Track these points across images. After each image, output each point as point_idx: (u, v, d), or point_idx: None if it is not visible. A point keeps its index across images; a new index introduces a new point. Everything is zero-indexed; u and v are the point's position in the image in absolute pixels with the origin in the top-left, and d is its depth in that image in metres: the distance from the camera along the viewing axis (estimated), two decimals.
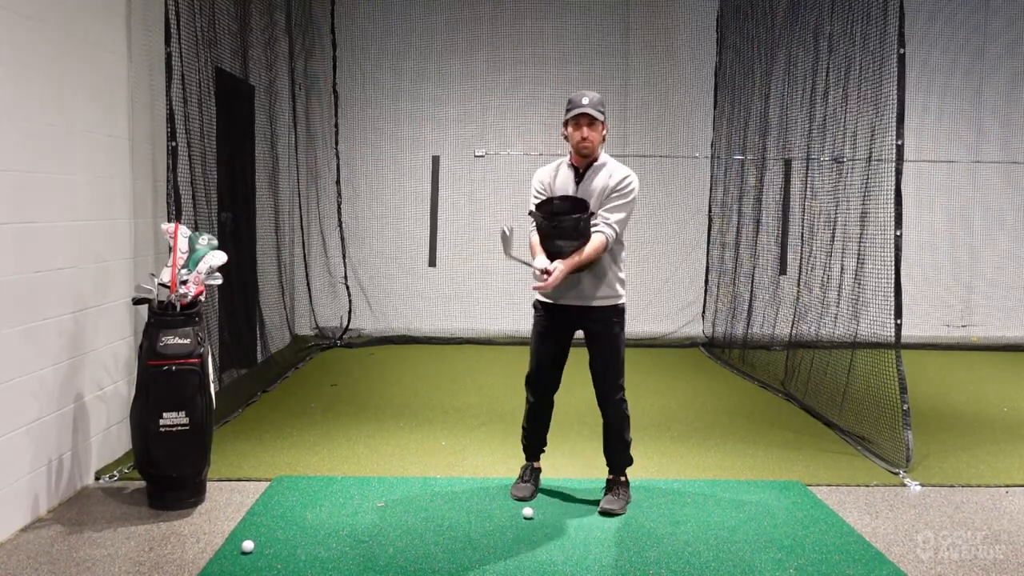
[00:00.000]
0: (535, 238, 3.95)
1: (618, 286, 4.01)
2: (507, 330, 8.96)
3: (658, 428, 5.59)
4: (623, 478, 4.20)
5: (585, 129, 3.90)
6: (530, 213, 3.96)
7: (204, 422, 4.03)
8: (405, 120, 8.96)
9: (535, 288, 3.91)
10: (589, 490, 4.34)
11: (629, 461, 4.23)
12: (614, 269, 3.99)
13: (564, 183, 4.01)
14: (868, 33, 5.63)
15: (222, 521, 3.89)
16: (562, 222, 3.79)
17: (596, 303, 3.98)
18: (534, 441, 4.34)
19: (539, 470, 4.37)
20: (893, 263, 5.05)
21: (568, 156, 4.07)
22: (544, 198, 3.97)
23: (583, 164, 3.99)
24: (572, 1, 8.92)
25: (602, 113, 3.92)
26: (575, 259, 3.80)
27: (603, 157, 4.01)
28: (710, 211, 8.92)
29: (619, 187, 3.91)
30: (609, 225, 3.86)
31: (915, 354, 8.02)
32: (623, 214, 3.90)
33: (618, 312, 4.02)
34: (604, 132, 3.96)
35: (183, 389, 3.94)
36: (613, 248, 3.93)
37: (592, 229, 3.84)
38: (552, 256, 3.83)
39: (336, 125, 8.86)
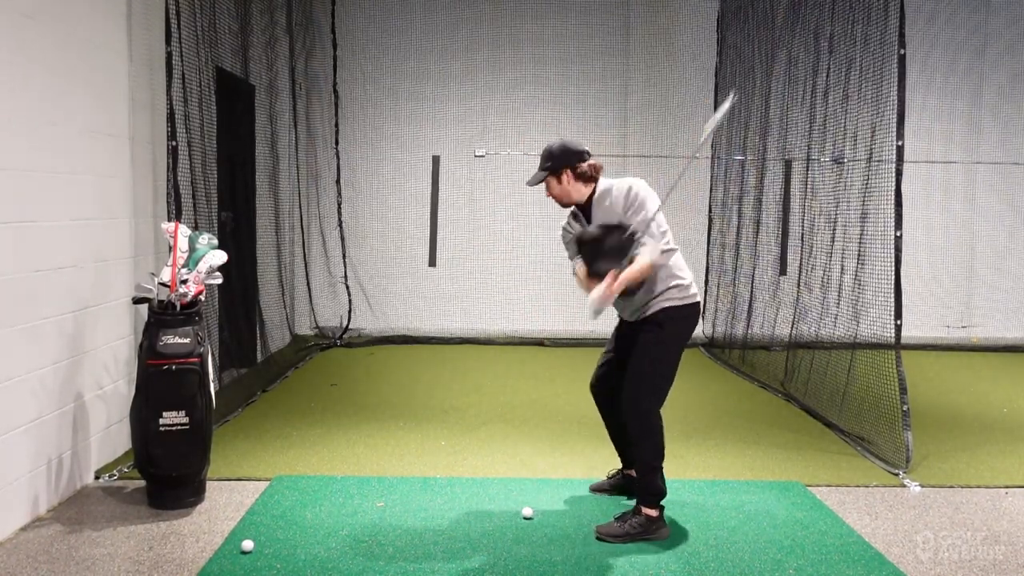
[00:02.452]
0: (580, 270, 3.74)
1: (661, 292, 3.74)
2: (507, 330, 8.97)
3: None
4: (642, 509, 3.77)
5: (547, 191, 3.83)
6: (573, 258, 3.82)
7: (204, 421, 4.03)
8: (405, 120, 8.96)
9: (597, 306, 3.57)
10: (589, 490, 4.34)
11: (647, 492, 3.78)
12: (648, 283, 3.72)
13: (581, 227, 3.82)
14: (868, 33, 5.63)
15: (222, 521, 3.89)
16: (601, 248, 3.59)
17: (636, 317, 3.84)
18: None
19: (626, 476, 4.25)
20: (893, 264, 5.04)
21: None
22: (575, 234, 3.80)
23: (582, 204, 3.81)
24: (572, 1, 8.93)
25: (548, 163, 3.74)
26: (624, 275, 3.54)
27: (601, 185, 3.78)
28: (710, 211, 8.92)
29: (627, 201, 3.65)
30: (646, 237, 3.58)
31: (915, 355, 8.02)
32: (644, 221, 3.59)
33: (651, 323, 3.76)
34: (567, 174, 3.73)
35: (183, 388, 3.94)
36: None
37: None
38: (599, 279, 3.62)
39: (336, 125, 8.86)
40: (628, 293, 3.69)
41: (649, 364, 3.75)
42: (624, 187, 3.69)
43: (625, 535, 3.72)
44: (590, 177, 3.76)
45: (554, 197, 3.83)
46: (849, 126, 5.98)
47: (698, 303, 3.83)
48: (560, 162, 3.74)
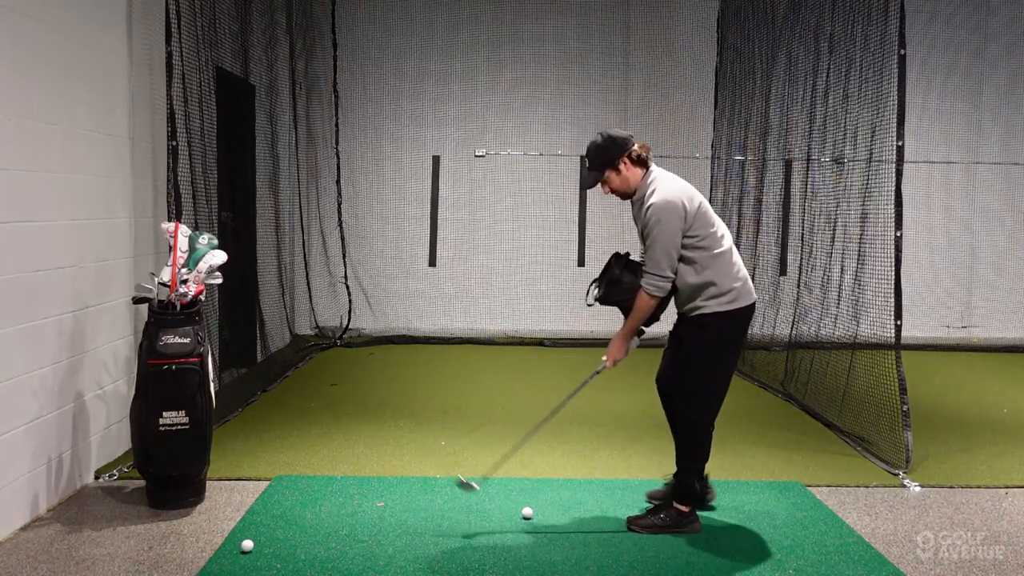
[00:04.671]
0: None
1: (699, 299, 3.68)
2: (507, 330, 8.97)
3: (658, 428, 5.58)
4: (672, 503, 3.84)
5: (605, 188, 3.78)
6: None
7: (204, 421, 4.03)
8: (405, 120, 8.96)
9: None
10: (589, 490, 4.34)
11: (685, 493, 3.82)
12: (691, 281, 3.67)
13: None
14: (868, 33, 5.63)
15: (222, 520, 3.89)
16: (606, 298, 3.81)
17: (683, 310, 3.80)
18: None
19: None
20: (893, 264, 5.04)
21: None
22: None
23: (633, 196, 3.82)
24: (572, 1, 8.93)
25: (603, 158, 3.69)
26: (628, 325, 3.74)
27: (645, 185, 3.71)
28: None
29: (644, 222, 3.66)
30: (646, 273, 3.63)
31: (915, 355, 8.01)
32: (652, 253, 3.60)
33: (700, 323, 3.70)
34: (623, 162, 3.69)
35: (183, 388, 3.94)
36: (694, 260, 3.64)
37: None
38: (624, 309, 3.79)
39: (336, 125, 8.87)
40: (673, 291, 3.72)
41: (694, 372, 3.74)
42: (646, 204, 3.64)
43: (653, 527, 3.79)
44: (644, 160, 3.73)
45: (615, 192, 3.77)
46: (849, 126, 5.98)
47: (740, 309, 3.69)
48: (614, 152, 3.69)
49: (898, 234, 5.01)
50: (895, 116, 5.04)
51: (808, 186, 6.74)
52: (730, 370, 3.82)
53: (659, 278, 3.61)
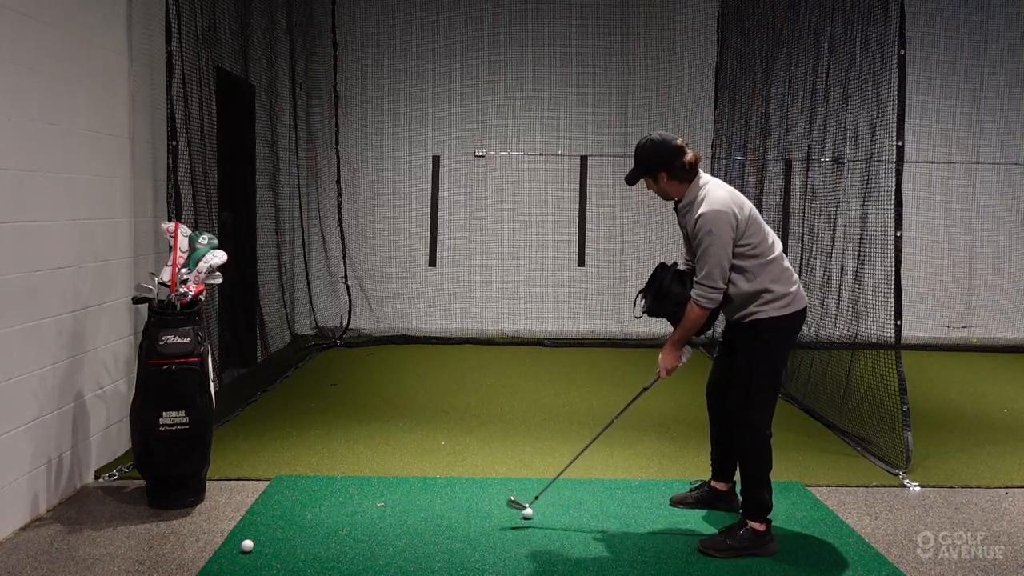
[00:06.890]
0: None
1: (754, 304, 3.61)
2: (507, 330, 8.97)
3: (658, 428, 5.59)
4: (748, 522, 3.65)
5: (647, 188, 3.75)
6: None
7: (204, 421, 4.03)
8: (405, 120, 8.96)
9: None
10: (589, 490, 4.34)
11: (755, 506, 3.64)
12: (745, 289, 3.60)
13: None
14: (868, 34, 5.63)
15: (222, 520, 3.89)
16: (655, 310, 3.76)
17: (735, 317, 3.71)
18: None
19: (713, 488, 4.13)
20: (893, 264, 5.05)
21: None
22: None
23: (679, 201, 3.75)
24: (572, 1, 8.93)
25: (643, 167, 3.64)
26: (677, 335, 3.71)
27: (694, 191, 3.64)
28: None
29: (696, 233, 3.56)
30: (698, 284, 3.57)
31: (915, 355, 8.02)
32: (704, 264, 3.53)
33: (755, 327, 3.63)
34: (662, 177, 3.63)
35: (183, 388, 3.94)
36: (746, 268, 3.57)
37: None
38: (674, 320, 3.76)
39: (336, 125, 8.87)
40: (725, 300, 3.66)
41: (749, 376, 3.66)
42: (696, 213, 3.57)
43: (730, 550, 3.59)
44: (687, 175, 3.64)
45: (659, 193, 3.74)
46: (849, 126, 5.97)
47: (794, 313, 3.64)
48: (654, 165, 3.63)
49: (898, 234, 5.01)
50: (895, 116, 5.04)
51: (808, 186, 6.74)
52: (780, 375, 3.76)
53: (711, 289, 3.55)
